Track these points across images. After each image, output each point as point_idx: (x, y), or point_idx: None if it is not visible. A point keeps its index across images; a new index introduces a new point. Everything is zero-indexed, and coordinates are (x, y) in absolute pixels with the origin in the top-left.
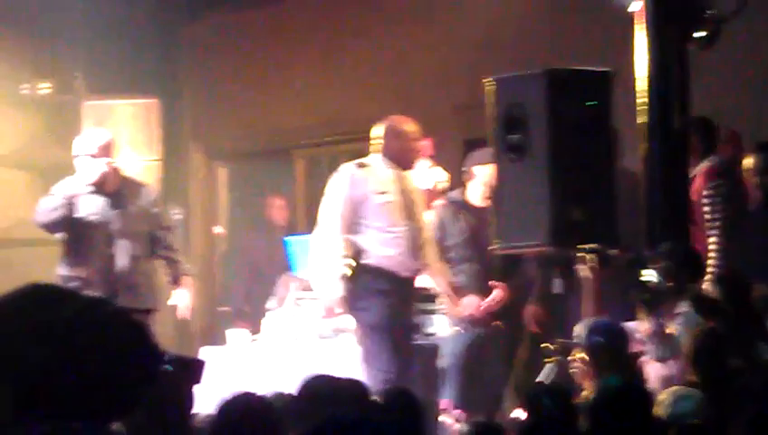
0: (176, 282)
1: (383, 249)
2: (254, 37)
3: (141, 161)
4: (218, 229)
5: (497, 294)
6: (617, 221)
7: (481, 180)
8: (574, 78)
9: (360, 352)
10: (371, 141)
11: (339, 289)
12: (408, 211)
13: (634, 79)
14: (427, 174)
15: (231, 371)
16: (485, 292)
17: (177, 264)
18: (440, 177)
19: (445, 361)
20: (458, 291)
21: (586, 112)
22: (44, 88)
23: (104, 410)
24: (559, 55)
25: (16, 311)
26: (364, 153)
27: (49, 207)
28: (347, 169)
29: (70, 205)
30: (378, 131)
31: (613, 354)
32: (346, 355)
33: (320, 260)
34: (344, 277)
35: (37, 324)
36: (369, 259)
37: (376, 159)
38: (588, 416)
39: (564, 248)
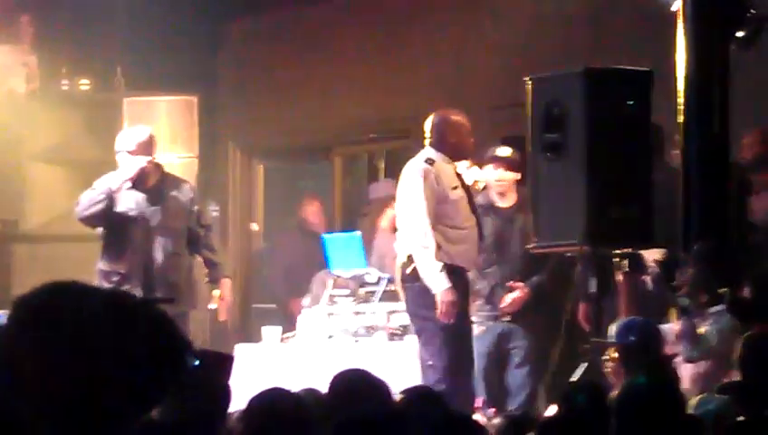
0: (215, 283)
1: (455, 246)
2: (293, 36)
3: (180, 158)
4: (255, 227)
5: (517, 294)
6: (653, 221)
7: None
8: (613, 77)
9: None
10: (425, 136)
11: (447, 282)
12: (472, 206)
13: (675, 78)
14: (467, 173)
15: (266, 368)
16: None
17: (216, 265)
18: (479, 176)
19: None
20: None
21: (625, 112)
22: (84, 84)
23: (130, 405)
24: (600, 54)
25: (37, 309)
26: (402, 151)
27: (90, 201)
28: (420, 166)
29: (110, 199)
30: (431, 125)
31: (646, 354)
32: (379, 353)
33: (422, 259)
34: (414, 275)
35: (57, 322)
36: (443, 256)
37: (435, 154)
38: (614, 415)
39: (600, 248)
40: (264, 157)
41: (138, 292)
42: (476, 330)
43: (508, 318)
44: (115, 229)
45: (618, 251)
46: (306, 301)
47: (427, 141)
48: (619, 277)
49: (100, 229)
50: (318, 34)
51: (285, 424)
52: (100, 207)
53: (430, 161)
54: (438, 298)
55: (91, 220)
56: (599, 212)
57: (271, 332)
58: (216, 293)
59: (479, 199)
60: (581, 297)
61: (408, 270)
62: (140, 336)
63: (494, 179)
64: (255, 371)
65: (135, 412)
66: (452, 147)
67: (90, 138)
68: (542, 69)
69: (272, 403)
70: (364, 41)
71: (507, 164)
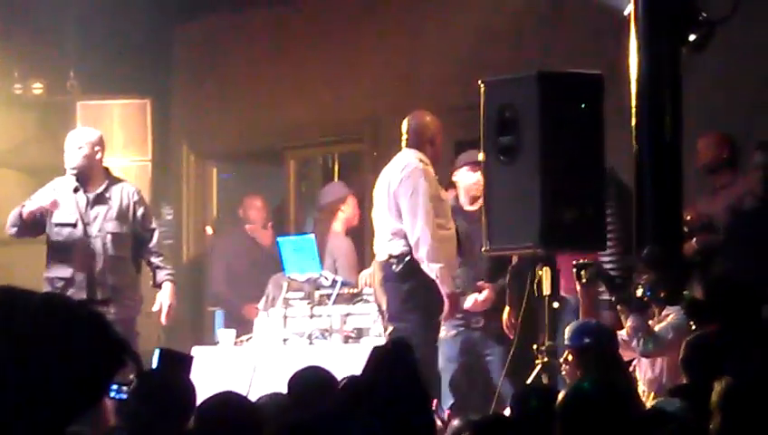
0: (158, 287)
1: (442, 246)
2: (247, 38)
3: (133, 161)
4: (209, 230)
5: (485, 295)
6: (606, 224)
7: (462, 185)
8: (566, 81)
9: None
10: (413, 136)
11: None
12: (449, 208)
13: (628, 82)
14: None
15: (221, 371)
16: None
17: (160, 269)
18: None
19: (441, 363)
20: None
21: (577, 115)
22: (37, 88)
23: (64, 405)
24: (552, 58)
25: None
26: (355, 154)
27: (9, 221)
28: (418, 165)
29: (35, 213)
30: (412, 126)
31: (600, 356)
32: (334, 356)
33: (434, 257)
34: (402, 275)
35: None
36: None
37: (419, 155)
38: (558, 419)
39: (554, 250)
40: (218, 160)
41: (81, 296)
42: (446, 334)
43: (480, 324)
44: (57, 235)
45: (577, 262)
46: (261, 304)
47: (404, 142)
48: (578, 287)
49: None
50: (270, 37)
51: (236, 427)
52: (13, 230)
53: (423, 161)
54: (447, 298)
55: (17, 236)
56: (552, 215)
57: (226, 334)
58: (157, 296)
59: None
60: (509, 303)
61: (397, 269)
62: (75, 337)
63: (473, 183)
64: (210, 373)
65: (70, 413)
66: (432, 151)
67: (43, 142)
68: (493, 72)
69: (222, 407)
70: (316, 44)
71: None
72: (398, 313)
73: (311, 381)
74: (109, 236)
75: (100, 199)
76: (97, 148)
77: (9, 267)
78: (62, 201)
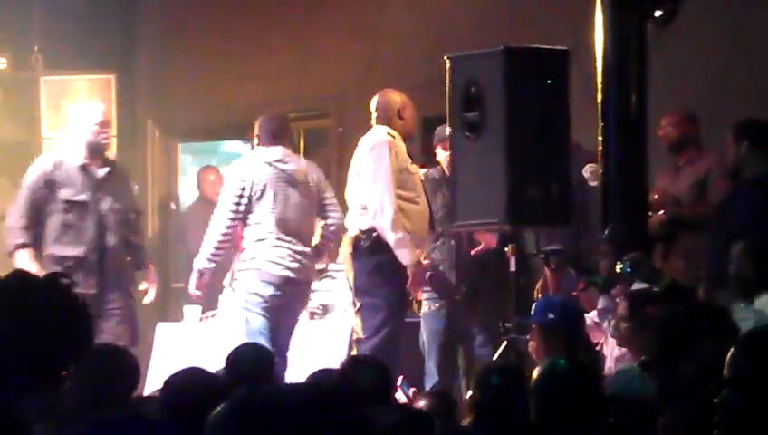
0: (142, 268)
1: (411, 223)
2: (212, 14)
3: None
4: (173, 206)
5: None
6: (572, 200)
7: (442, 161)
8: (532, 56)
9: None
10: (381, 113)
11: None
12: (419, 182)
13: (594, 58)
14: None
15: (186, 347)
16: (459, 268)
17: (143, 249)
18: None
19: (425, 337)
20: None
21: (543, 91)
22: (1, 63)
23: (33, 379)
24: (518, 34)
25: None
26: (321, 130)
27: (13, 224)
28: (384, 138)
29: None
30: (380, 103)
31: (566, 333)
32: (299, 332)
33: (391, 229)
34: (369, 250)
35: None
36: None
37: (389, 131)
38: (533, 397)
39: (520, 226)
40: (183, 136)
41: (93, 277)
42: (429, 308)
43: (459, 297)
44: (65, 213)
45: (546, 248)
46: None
47: (374, 120)
48: (547, 273)
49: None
50: (235, 13)
51: (201, 403)
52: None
53: (391, 135)
54: (410, 269)
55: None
56: (518, 191)
57: (191, 311)
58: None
59: (432, 173)
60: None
61: (365, 244)
62: (40, 309)
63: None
64: (176, 350)
65: (37, 385)
66: (402, 125)
67: (6, 117)
68: (459, 49)
69: (188, 382)
70: (282, 19)
71: None
72: (367, 287)
73: (248, 358)
74: (117, 216)
75: (108, 178)
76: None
77: None
78: (70, 177)
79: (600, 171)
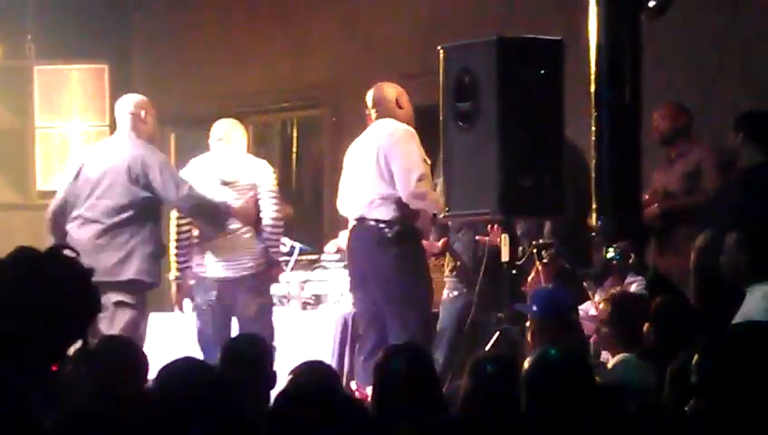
0: None
1: (426, 215)
2: (207, 4)
3: (91, 126)
4: None
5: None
6: (565, 190)
7: None
8: (525, 46)
9: (397, 314)
10: (382, 107)
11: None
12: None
13: (588, 48)
14: None
15: (179, 337)
16: (479, 259)
17: None
18: None
19: (440, 324)
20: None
21: (537, 81)
22: None
23: (39, 358)
24: (512, 23)
25: None
26: (313, 120)
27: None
28: (407, 128)
29: None
30: (380, 98)
31: (556, 323)
32: (292, 323)
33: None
34: (395, 240)
35: None
36: (417, 224)
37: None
38: (524, 387)
39: (513, 216)
40: (175, 125)
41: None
42: (447, 295)
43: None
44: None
45: (537, 242)
46: None
47: (374, 115)
48: (539, 267)
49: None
50: (228, 3)
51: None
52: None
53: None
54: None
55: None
56: (511, 181)
57: (185, 301)
58: None
59: None
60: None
61: (390, 234)
62: (47, 282)
63: None
64: (169, 340)
65: (47, 360)
66: (403, 114)
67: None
68: (452, 38)
69: (182, 372)
70: (277, 8)
71: None
72: (391, 276)
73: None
74: None
75: None
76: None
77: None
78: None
79: (593, 162)
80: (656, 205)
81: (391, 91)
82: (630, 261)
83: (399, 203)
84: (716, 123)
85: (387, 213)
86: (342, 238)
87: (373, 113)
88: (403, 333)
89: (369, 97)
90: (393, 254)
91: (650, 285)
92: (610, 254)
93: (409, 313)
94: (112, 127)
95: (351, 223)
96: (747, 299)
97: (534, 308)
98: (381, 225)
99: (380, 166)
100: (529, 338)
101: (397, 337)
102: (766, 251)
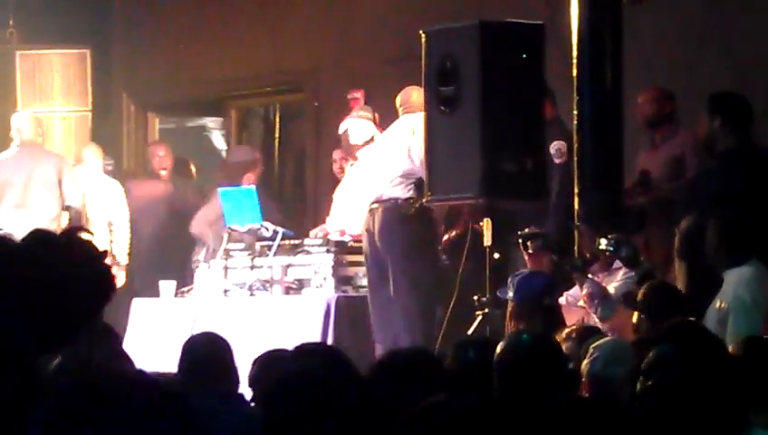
0: None
1: None
2: None
3: (73, 111)
4: None
5: None
6: (548, 173)
7: None
8: (507, 31)
9: (405, 291)
10: (408, 106)
11: None
12: None
13: (569, 32)
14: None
15: (162, 322)
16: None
17: None
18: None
19: None
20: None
21: (518, 65)
22: None
23: (50, 337)
24: (494, 8)
25: None
26: (297, 104)
27: None
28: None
29: None
30: (408, 97)
31: (528, 307)
32: (275, 307)
33: None
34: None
35: None
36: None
37: None
38: (495, 372)
39: (495, 200)
40: (158, 110)
41: None
42: None
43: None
44: None
45: (523, 232)
46: (202, 255)
47: (401, 112)
48: (526, 257)
49: None
50: None
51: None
52: None
53: None
54: None
55: None
56: (493, 165)
57: (166, 286)
58: None
59: None
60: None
61: (409, 212)
62: (58, 262)
63: None
64: (152, 325)
65: (54, 344)
66: None
67: None
68: (435, 22)
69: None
70: None
71: None
72: (409, 254)
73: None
74: None
75: None
76: None
77: None
78: None
79: (576, 146)
80: (641, 197)
81: (418, 94)
82: (624, 254)
83: (418, 184)
84: (698, 108)
85: (405, 191)
86: (329, 224)
87: (400, 112)
88: (403, 319)
89: (398, 99)
90: (407, 234)
91: (641, 281)
92: (603, 244)
93: (410, 299)
94: (94, 111)
95: (371, 206)
96: (724, 283)
97: (510, 293)
98: (403, 203)
99: (412, 148)
100: (507, 321)
101: (398, 322)
102: (739, 236)
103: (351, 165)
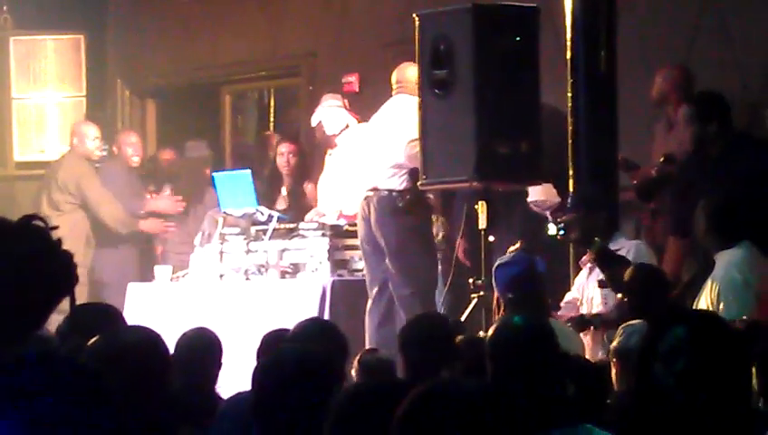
0: None
1: None
2: None
3: (67, 97)
4: None
5: None
6: (542, 156)
7: None
8: (501, 13)
9: (398, 281)
10: (403, 85)
11: None
12: None
13: (563, 14)
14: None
15: (158, 307)
16: None
17: None
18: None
19: None
20: None
21: (512, 48)
22: None
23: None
24: None
25: None
26: (291, 89)
27: None
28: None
29: None
30: (403, 75)
31: (504, 299)
32: (270, 291)
33: None
34: (409, 207)
35: None
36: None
37: None
38: (487, 356)
39: (490, 183)
40: (153, 95)
41: None
42: None
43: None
44: None
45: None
46: (197, 239)
47: (395, 91)
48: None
49: None
50: None
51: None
52: None
53: None
54: None
55: None
56: (487, 148)
57: (162, 271)
58: None
59: None
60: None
61: (401, 203)
62: (12, 253)
63: None
64: (148, 310)
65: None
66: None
67: None
68: (430, 5)
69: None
70: None
71: None
72: (404, 245)
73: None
74: None
75: None
76: None
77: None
78: None
79: (570, 129)
80: (653, 170)
81: (413, 72)
82: (573, 236)
83: (412, 173)
84: (696, 87)
85: (400, 182)
86: (323, 208)
87: (394, 90)
88: (401, 307)
89: (394, 75)
90: (402, 225)
91: (597, 259)
92: (552, 230)
93: (406, 289)
94: (89, 97)
95: (366, 193)
96: (715, 265)
97: (496, 277)
98: (395, 194)
99: (400, 136)
100: (494, 305)
101: (396, 309)
102: (727, 219)
103: (330, 154)
